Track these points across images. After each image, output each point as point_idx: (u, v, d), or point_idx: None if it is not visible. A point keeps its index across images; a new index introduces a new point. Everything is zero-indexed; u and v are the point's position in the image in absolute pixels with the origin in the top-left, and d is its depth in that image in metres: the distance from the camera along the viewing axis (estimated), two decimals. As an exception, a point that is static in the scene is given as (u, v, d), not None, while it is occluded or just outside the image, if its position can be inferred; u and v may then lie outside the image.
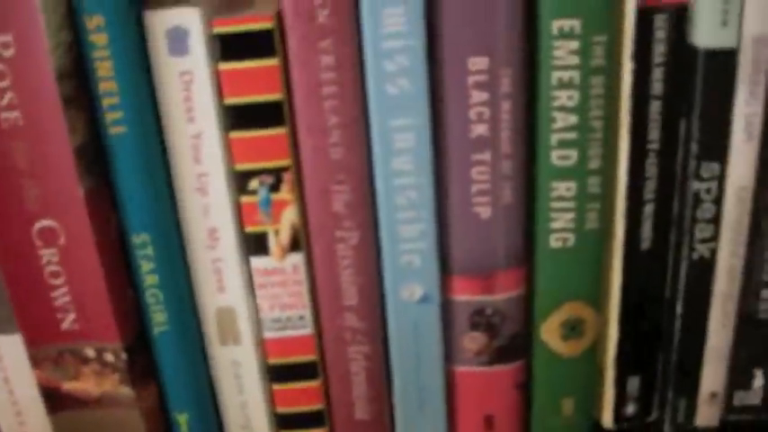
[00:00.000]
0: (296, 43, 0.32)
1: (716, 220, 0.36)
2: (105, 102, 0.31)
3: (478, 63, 0.32)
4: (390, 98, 0.32)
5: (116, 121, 0.32)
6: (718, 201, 0.35)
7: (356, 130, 0.33)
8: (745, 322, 0.38)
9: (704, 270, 0.37)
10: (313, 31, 0.31)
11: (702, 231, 0.36)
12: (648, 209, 0.36)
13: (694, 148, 0.35)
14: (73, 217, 0.32)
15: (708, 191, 0.35)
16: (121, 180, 0.32)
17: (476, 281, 0.36)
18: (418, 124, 0.33)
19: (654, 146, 0.35)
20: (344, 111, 0.32)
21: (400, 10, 0.31)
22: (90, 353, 0.34)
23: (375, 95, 0.32)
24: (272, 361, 0.37)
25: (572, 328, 0.37)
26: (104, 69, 0.31)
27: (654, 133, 0.35)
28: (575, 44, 0.33)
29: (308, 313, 0.36)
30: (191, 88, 0.32)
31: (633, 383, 0.39)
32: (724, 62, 0.33)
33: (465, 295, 0.36)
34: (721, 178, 0.35)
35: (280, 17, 0.32)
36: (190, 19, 0.31)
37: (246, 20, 0.31)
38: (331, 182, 0.33)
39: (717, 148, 0.35)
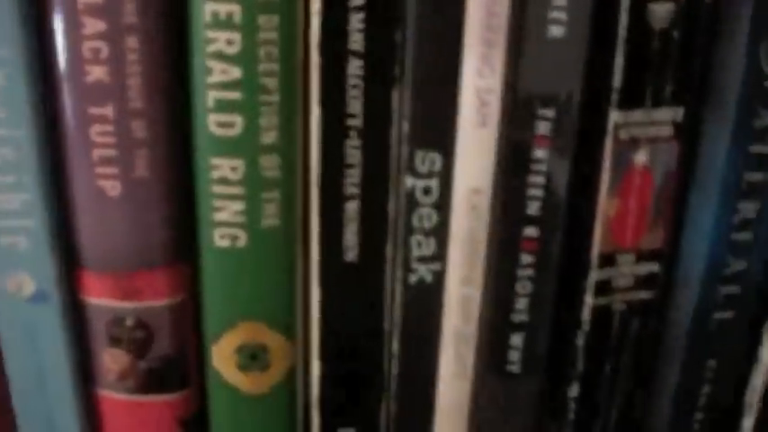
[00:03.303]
0: None
1: (439, 233, 0.26)
2: None
3: (88, -22, 0.23)
4: (-34, 16, 0.24)
5: None
6: (440, 206, 0.26)
7: (-74, 56, 0.24)
8: (488, 374, 0.28)
9: (426, 299, 0.27)
10: None
11: (421, 247, 0.27)
12: (351, 207, 0.26)
13: (406, 128, 0.25)
14: None
15: (426, 191, 0.26)
16: None
17: (110, 279, 0.27)
18: (8, 56, 0.24)
19: (356, 122, 0.25)
20: None
21: None
22: None
23: (-54, 10, 0.24)
24: None
25: (252, 357, 0.28)
26: None
27: (355, 105, 0.25)
28: (232, -34, 0.24)
29: None
30: None
31: (344, 438, 0.30)
32: (441, 11, 0.24)
33: (99, 298, 0.27)
34: (445, 175, 0.26)
35: None
36: None
37: None
38: None
39: (437, 131, 0.25)
